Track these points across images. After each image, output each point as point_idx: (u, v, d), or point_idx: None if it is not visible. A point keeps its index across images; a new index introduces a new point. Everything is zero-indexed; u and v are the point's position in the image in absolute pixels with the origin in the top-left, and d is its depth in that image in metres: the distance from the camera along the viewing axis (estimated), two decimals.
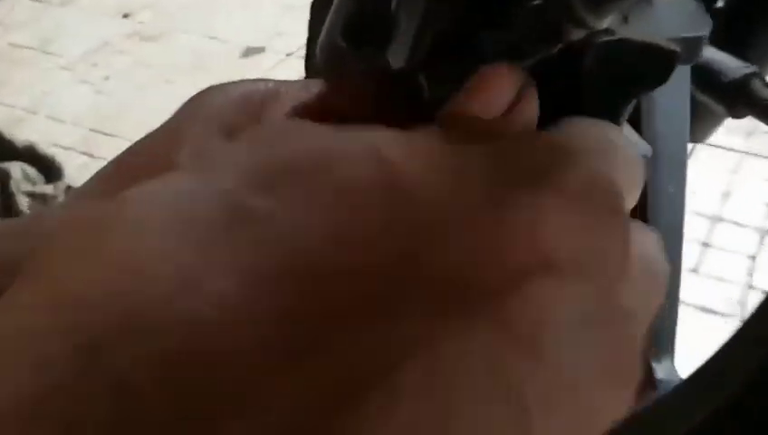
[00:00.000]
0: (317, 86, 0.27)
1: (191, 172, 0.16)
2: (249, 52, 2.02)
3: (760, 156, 1.55)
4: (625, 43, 0.24)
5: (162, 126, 0.26)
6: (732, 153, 1.53)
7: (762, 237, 1.37)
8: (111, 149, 1.65)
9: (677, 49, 0.28)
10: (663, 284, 0.20)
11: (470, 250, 0.15)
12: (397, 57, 0.26)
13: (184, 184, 0.16)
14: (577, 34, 0.23)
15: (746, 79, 0.49)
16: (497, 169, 0.17)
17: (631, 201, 0.20)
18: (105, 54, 2.01)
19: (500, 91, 0.21)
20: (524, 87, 0.22)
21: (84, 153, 1.64)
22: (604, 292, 0.17)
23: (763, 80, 0.49)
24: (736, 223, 1.39)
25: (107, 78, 1.93)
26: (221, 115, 0.25)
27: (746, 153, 1.56)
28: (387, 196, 0.15)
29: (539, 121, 0.22)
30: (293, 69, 1.91)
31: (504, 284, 0.15)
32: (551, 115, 0.23)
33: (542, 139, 0.19)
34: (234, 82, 0.26)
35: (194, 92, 0.26)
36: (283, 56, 1.98)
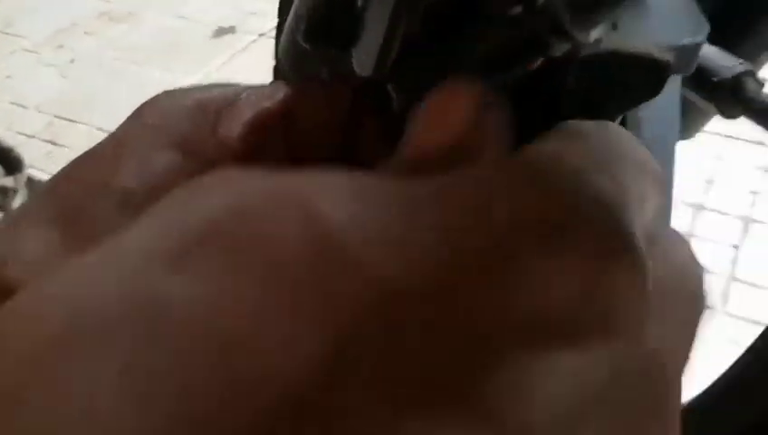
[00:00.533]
0: (279, 92, 0.25)
1: (99, 255, 0.14)
2: (220, 32, 1.98)
3: (744, 140, 1.53)
4: (613, 55, 0.22)
5: (110, 136, 0.24)
6: (715, 138, 1.51)
7: (746, 226, 1.35)
8: (76, 136, 1.62)
9: (671, 59, 0.25)
10: (701, 299, 0.17)
11: (432, 342, 0.13)
12: (363, 64, 0.24)
13: (90, 271, 0.14)
14: (560, 48, 0.21)
15: (739, 78, 0.46)
16: (464, 227, 0.14)
17: (652, 210, 0.17)
18: (71, 36, 1.97)
19: (458, 114, 0.19)
20: (488, 104, 0.19)
21: (48, 141, 1.60)
22: (624, 353, 0.14)
23: (757, 79, 0.46)
24: (719, 211, 1.37)
25: (73, 61, 1.89)
26: (171, 126, 0.23)
27: (730, 137, 1.53)
28: (324, 271, 0.13)
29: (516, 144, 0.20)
30: (266, 49, 1.87)
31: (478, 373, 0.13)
32: (528, 137, 0.20)
33: (519, 169, 0.16)
34: (188, 89, 0.25)
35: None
36: (255, 36, 1.94)
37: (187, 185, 0.16)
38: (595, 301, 0.14)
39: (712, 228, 1.33)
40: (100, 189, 0.22)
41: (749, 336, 1.16)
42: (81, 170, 0.23)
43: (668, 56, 0.25)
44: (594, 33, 0.21)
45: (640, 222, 0.16)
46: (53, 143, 1.58)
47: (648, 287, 0.15)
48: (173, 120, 0.23)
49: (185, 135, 0.23)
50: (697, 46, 0.28)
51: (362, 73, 0.25)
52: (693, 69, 0.28)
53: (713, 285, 1.21)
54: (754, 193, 1.39)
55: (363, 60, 0.25)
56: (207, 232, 0.13)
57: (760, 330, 1.15)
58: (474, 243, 0.14)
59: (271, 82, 0.26)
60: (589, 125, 0.19)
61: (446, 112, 0.19)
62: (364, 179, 0.15)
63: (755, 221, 1.35)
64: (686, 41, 0.26)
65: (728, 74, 0.43)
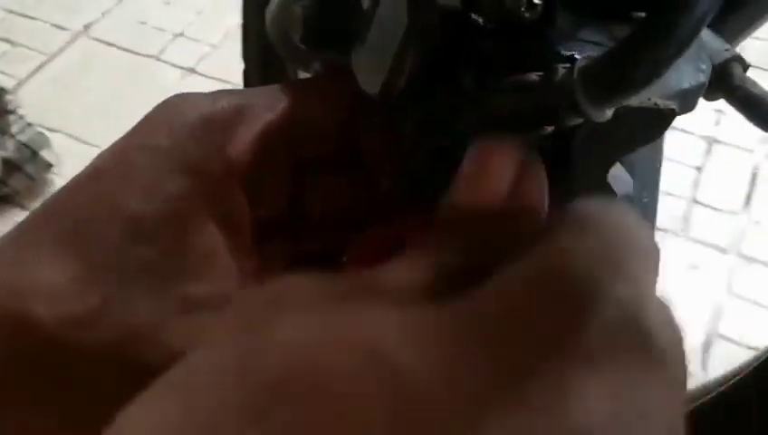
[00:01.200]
0: (282, 99, 0.25)
1: (175, 391, 0.15)
2: None
3: None
4: (619, 110, 0.22)
5: (112, 153, 0.23)
6: None
7: (709, 147, 1.37)
8: (34, 34, 1.54)
9: (674, 107, 0.26)
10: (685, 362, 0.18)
11: None
12: (368, 82, 0.24)
13: (169, 415, 0.14)
14: (573, 121, 0.22)
15: (726, 64, 0.46)
16: (509, 344, 0.15)
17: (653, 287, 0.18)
18: None
19: (498, 174, 0.19)
20: (527, 163, 0.20)
21: (4, 40, 1.52)
22: None
23: (744, 65, 0.46)
24: (684, 130, 1.38)
25: None
26: (179, 147, 0.23)
27: None
28: (393, 411, 0.14)
29: None
30: None
31: None
32: None
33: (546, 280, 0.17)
34: (192, 99, 0.24)
35: None
36: None
37: (250, 322, 0.16)
38: (630, 406, 0.15)
39: (675, 149, 1.34)
40: (107, 213, 0.22)
41: (709, 261, 1.20)
42: (84, 191, 0.23)
43: (672, 104, 0.26)
44: (609, 113, 0.22)
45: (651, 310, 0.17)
46: (9, 42, 1.51)
47: (679, 377, 0.16)
48: (179, 141, 0.23)
49: (191, 157, 0.23)
50: (701, 86, 0.28)
51: (367, 90, 0.25)
52: (694, 107, 0.28)
53: (674, 209, 1.24)
54: (719, 111, 1.40)
55: (369, 77, 0.25)
56: (282, 383, 0.14)
57: (720, 256, 1.19)
58: (526, 369, 0.15)
59: (271, 86, 0.26)
60: (599, 214, 0.19)
61: (488, 171, 0.19)
62: (415, 312, 0.16)
63: (719, 142, 1.37)
64: (689, 84, 0.26)
65: (716, 60, 0.43)
